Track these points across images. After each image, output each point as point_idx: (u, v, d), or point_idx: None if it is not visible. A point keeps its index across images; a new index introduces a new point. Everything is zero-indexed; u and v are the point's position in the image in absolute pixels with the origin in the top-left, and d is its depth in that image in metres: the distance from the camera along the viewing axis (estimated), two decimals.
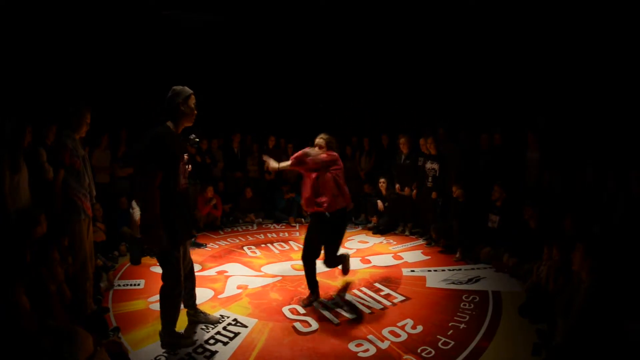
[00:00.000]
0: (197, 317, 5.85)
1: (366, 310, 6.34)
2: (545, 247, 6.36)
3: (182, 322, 5.58)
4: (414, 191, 10.13)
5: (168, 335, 5.18)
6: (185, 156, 5.11)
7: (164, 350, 5.14)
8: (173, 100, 4.89)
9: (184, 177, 5.02)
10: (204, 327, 5.77)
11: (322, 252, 6.54)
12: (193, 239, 8.66)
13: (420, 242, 9.88)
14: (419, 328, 5.77)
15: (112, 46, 11.82)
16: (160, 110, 4.95)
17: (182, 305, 5.33)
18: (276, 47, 14.23)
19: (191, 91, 5.00)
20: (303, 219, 12.06)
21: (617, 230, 6.80)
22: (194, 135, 5.47)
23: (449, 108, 11.95)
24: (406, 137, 10.30)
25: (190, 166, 5.30)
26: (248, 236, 10.63)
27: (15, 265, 4.27)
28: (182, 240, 5.08)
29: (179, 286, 5.07)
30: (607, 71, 8.91)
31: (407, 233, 10.57)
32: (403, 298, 6.79)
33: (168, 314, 5.14)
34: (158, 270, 5.76)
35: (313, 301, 6.60)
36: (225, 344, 5.36)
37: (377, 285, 7.33)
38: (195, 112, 5.04)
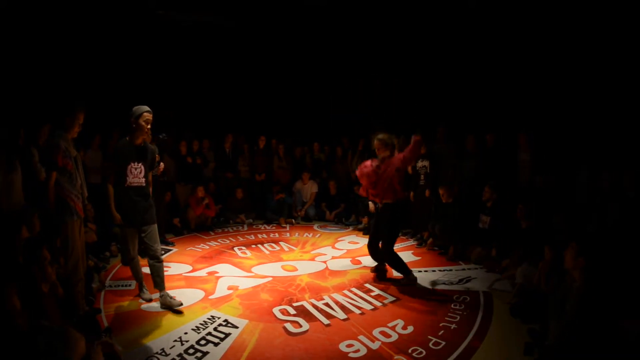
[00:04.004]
0: (164, 301, 6.36)
1: (357, 311, 6.33)
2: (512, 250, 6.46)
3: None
4: (412, 192, 10.10)
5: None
6: (162, 165, 6.74)
7: (155, 351, 5.13)
8: (129, 118, 6.11)
9: (135, 177, 6.20)
10: (194, 327, 5.77)
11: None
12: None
13: (411, 242, 9.90)
14: (410, 328, 5.78)
15: (104, 46, 11.81)
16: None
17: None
18: (269, 47, 14.24)
19: (145, 110, 6.11)
20: (293, 220, 12.09)
21: (609, 229, 6.84)
22: (164, 134, 6.16)
23: (443, 110, 11.97)
24: (397, 139, 10.28)
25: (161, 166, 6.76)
26: (239, 237, 10.62)
27: (6, 266, 4.25)
28: (128, 223, 6.28)
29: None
30: (600, 72, 8.96)
31: None
32: (394, 298, 6.81)
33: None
34: (149, 270, 6.32)
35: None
36: (216, 344, 5.35)
37: (368, 285, 7.34)
38: (147, 127, 6.16)
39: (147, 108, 6.09)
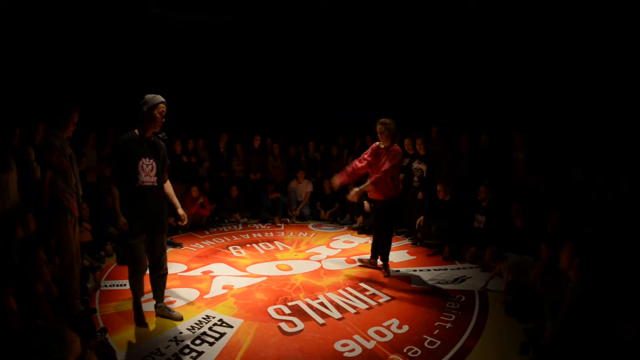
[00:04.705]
0: (162, 312, 6.05)
1: (352, 310, 6.34)
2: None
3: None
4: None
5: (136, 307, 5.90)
6: None
7: (151, 351, 5.12)
8: (140, 107, 5.45)
9: (147, 175, 5.53)
10: (189, 327, 5.77)
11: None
12: (169, 238, 9.23)
13: (406, 242, 9.90)
14: (405, 328, 5.79)
15: (100, 45, 11.77)
16: (133, 116, 5.57)
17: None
18: (268, 47, 14.21)
19: (160, 100, 5.48)
20: (288, 219, 12.06)
21: (605, 229, 6.85)
22: (163, 133, 5.76)
23: (439, 109, 11.98)
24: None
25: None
26: (233, 236, 10.60)
27: (2, 266, 4.24)
28: (135, 229, 5.53)
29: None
30: (596, 71, 8.99)
31: None
32: (388, 298, 6.81)
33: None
34: (150, 282, 6.08)
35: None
36: (211, 344, 5.35)
37: (363, 285, 7.34)
38: (161, 120, 5.54)
39: (162, 98, 5.49)
